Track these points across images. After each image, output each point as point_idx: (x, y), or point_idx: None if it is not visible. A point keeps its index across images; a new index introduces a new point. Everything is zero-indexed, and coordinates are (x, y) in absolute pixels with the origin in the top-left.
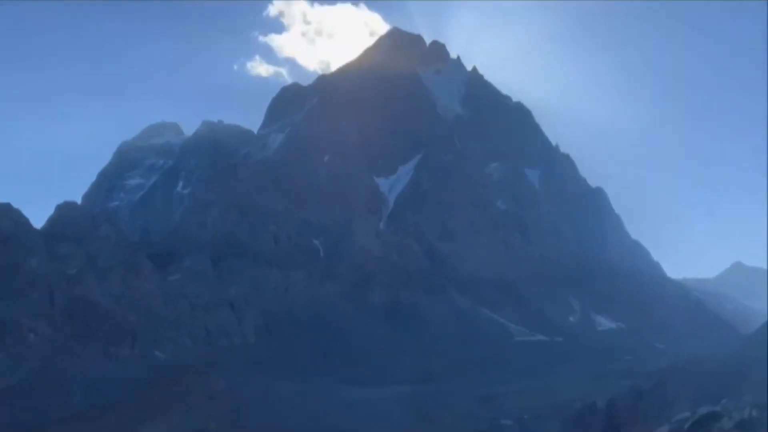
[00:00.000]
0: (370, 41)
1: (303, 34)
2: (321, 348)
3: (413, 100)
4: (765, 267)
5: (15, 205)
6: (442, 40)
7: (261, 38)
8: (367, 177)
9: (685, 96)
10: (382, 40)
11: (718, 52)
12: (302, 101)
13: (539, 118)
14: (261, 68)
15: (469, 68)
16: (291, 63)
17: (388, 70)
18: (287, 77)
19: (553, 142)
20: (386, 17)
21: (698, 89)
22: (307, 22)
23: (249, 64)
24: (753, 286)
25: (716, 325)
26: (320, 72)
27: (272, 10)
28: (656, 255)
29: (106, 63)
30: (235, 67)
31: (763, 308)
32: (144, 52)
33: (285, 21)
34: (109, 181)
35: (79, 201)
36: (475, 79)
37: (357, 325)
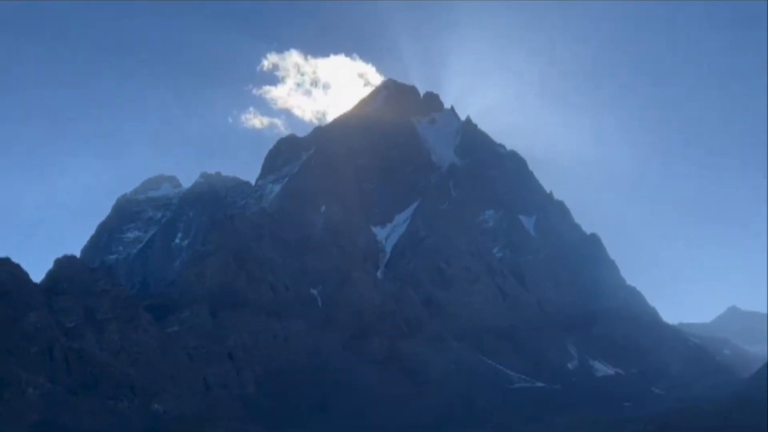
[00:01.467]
0: (365, 92)
1: (298, 86)
2: (321, 398)
3: (409, 150)
4: (761, 311)
5: (14, 259)
6: (436, 91)
7: (255, 91)
8: (363, 226)
9: (681, 140)
10: (378, 91)
11: (720, 70)
12: (298, 152)
13: (533, 165)
14: (255, 120)
15: (462, 118)
16: (286, 114)
17: (384, 121)
18: (283, 129)
19: (547, 189)
20: (380, 68)
21: (695, 132)
22: (301, 74)
23: (243, 117)
24: (750, 330)
25: (714, 369)
26: (316, 123)
27: (266, 63)
28: (652, 300)
29: (102, 117)
30: (230, 119)
31: (760, 352)
32: (140, 105)
33: (279, 73)
34: (107, 234)
35: (78, 254)
36: (469, 128)
37: (357, 374)
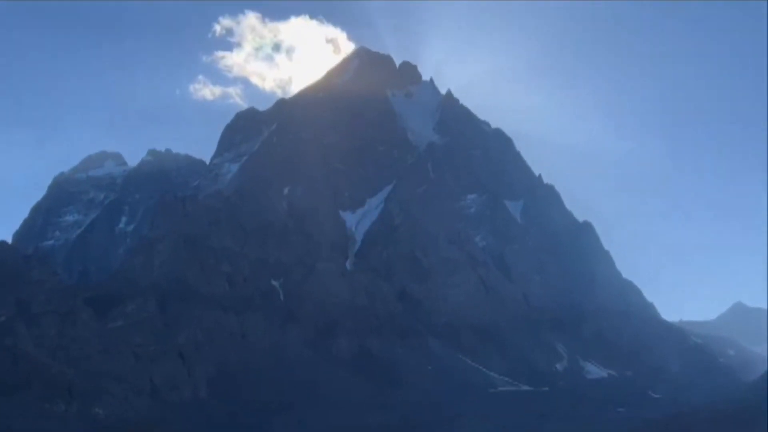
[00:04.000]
0: (335, 60)
1: (256, 50)
2: (282, 402)
3: (383, 126)
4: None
5: None
6: (413, 61)
7: (205, 57)
8: (331, 211)
9: (684, 120)
10: (349, 59)
11: (715, 62)
12: (259, 127)
13: (520, 145)
14: (206, 90)
15: (443, 91)
16: (243, 83)
17: (355, 93)
18: (239, 100)
19: (536, 172)
20: (352, 35)
21: (699, 111)
22: (261, 37)
23: (192, 86)
24: (755, 328)
25: (716, 371)
26: (279, 94)
27: (218, 29)
28: (650, 295)
29: (34, 86)
30: (177, 90)
31: (765, 352)
32: (79, 75)
33: (233, 39)
34: (43, 217)
35: (9, 240)
36: (449, 104)
37: (323, 376)
